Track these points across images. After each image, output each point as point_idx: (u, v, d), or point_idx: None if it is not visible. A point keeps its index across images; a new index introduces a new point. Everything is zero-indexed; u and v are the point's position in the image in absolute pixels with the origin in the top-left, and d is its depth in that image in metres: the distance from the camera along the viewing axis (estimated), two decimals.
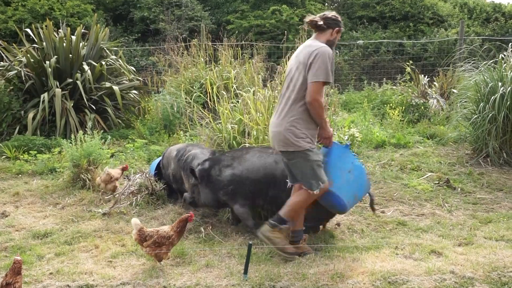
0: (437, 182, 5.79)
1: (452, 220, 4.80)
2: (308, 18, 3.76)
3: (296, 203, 3.82)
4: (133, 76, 8.69)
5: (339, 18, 3.82)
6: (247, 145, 4.79)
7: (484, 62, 6.69)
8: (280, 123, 3.70)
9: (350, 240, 4.29)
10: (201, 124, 5.94)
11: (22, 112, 7.51)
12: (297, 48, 4.91)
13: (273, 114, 3.86)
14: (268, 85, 5.16)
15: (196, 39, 9.01)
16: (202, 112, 6.01)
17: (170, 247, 3.71)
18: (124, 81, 8.48)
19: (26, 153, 6.67)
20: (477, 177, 5.94)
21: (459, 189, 5.63)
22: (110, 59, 8.44)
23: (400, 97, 8.82)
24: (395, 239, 4.30)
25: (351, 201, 4.03)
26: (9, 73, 7.73)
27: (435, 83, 9.72)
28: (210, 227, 4.50)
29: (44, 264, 3.80)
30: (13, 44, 8.66)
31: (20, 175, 6.14)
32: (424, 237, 4.35)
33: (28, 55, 7.72)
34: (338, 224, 4.62)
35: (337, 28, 3.78)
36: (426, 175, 5.98)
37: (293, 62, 3.79)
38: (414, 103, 8.68)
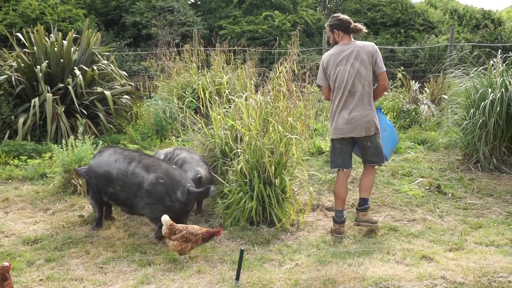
0: (428, 187, 5.82)
1: (443, 225, 4.83)
2: (360, 26, 4.50)
3: (372, 181, 4.67)
4: (125, 81, 8.66)
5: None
6: (239, 150, 4.80)
7: (474, 69, 6.75)
8: (366, 113, 4.39)
9: (342, 246, 4.30)
10: (193, 130, 5.93)
11: (13, 117, 7.45)
12: (289, 53, 4.94)
13: (346, 109, 4.42)
14: (260, 90, 5.17)
15: (188, 45, 8.99)
16: (194, 117, 6.00)
17: (194, 245, 3.90)
18: (116, 86, 8.45)
19: (16, 158, 6.62)
20: (467, 183, 5.98)
21: (450, 194, 5.66)
22: (102, 64, 8.41)
23: (391, 102, 8.86)
24: (386, 244, 4.31)
25: (388, 154, 4.89)
26: (0, 77, 7.68)
27: (426, 89, 9.79)
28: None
29: (34, 271, 3.77)
30: (4, 49, 8.60)
31: (10, 181, 6.09)
32: (415, 243, 4.37)
33: (19, 59, 7.67)
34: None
35: None
36: (417, 181, 6.01)
37: (353, 63, 4.37)
38: (405, 109, 8.73)
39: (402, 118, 8.64)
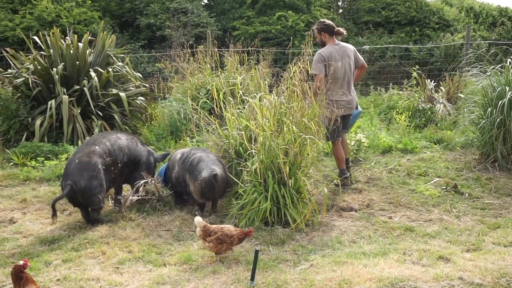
0: (445, 187, 5.76)
1: (460, 225, 4.77)
2: (342, 30, 5.69)
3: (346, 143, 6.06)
4: (139, 82, 8.71)
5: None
6: (253, 151, 4.79)
7: (491, 67, 6.66)
8: (353, 94, 5.73)
9: (357, 246, 4.27)
10: (208, 130, 5.94)
11: (30, 119, 7.55)
12: (303, 53, 4.98)
13: (344, 94, 5.60)
14: (274, 91, 5.16)
15: (202, 46, 9.02)
16: (208, 118, 6.02)
17: (230, 246, 3.93)
18: (130, 88, 8.51)
19: (33, 159, 6.70)
20: (485, 182, 5.90)
21: (466, 194, 5.59)
22: (117, 65, 8.47)
23: (406, 102, 8.78)
24: (402, 245, 4.27)
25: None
26: (17, 80, 7.78)
27: (441, 88, 9.68)
28: None
29: (51, 271, 3.82)
30: (21, 52, 8.71)
31: (27, 182, 6.17)
32: (432, 243, 4.32)
33: (36, 62, 7.77)
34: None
35: None
36: (434, 181, 5.95)
37: (345, 59, 5.60)
38: (420, 108, 8.64)
39: (417, 117, 8.56)
